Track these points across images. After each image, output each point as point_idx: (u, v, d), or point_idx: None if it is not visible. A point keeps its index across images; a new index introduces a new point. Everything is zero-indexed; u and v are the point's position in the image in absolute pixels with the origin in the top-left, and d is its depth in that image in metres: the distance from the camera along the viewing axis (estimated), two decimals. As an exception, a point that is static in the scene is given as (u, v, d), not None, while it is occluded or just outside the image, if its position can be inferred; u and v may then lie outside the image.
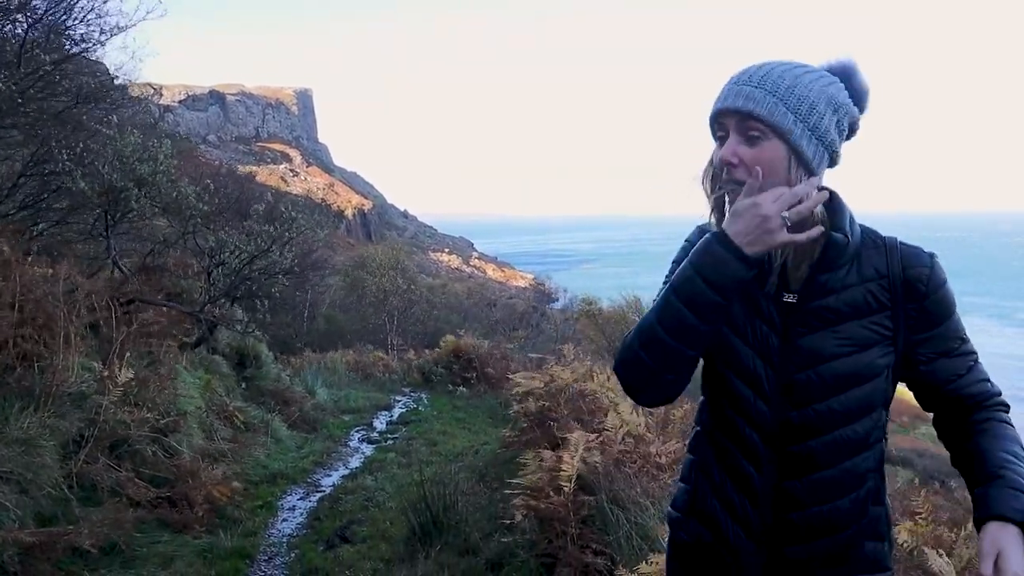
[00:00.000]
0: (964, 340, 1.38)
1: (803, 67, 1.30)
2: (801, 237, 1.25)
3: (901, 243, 1.37)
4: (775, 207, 1.22)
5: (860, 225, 1.38)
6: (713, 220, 1.37)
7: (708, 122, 1.34)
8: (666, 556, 1.56)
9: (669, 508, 1.54)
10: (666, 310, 1.29)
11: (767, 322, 1.35)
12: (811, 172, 1.28)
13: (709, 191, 1.37)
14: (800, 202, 1.24)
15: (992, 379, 1.41)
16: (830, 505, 1.33)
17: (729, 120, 1.29)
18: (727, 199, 1.33)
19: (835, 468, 1.33)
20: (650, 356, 1.31)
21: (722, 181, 1.32)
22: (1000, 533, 1.18)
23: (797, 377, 1.32)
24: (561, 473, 3.77)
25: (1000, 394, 1.40)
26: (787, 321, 1.34)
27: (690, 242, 1.43)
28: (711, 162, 1.36)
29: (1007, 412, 1.39)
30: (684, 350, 1.30)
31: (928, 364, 1.37)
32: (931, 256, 1.36)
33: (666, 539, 1.59)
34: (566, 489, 3.71)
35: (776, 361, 1.34)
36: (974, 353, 1.39)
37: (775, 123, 1.25)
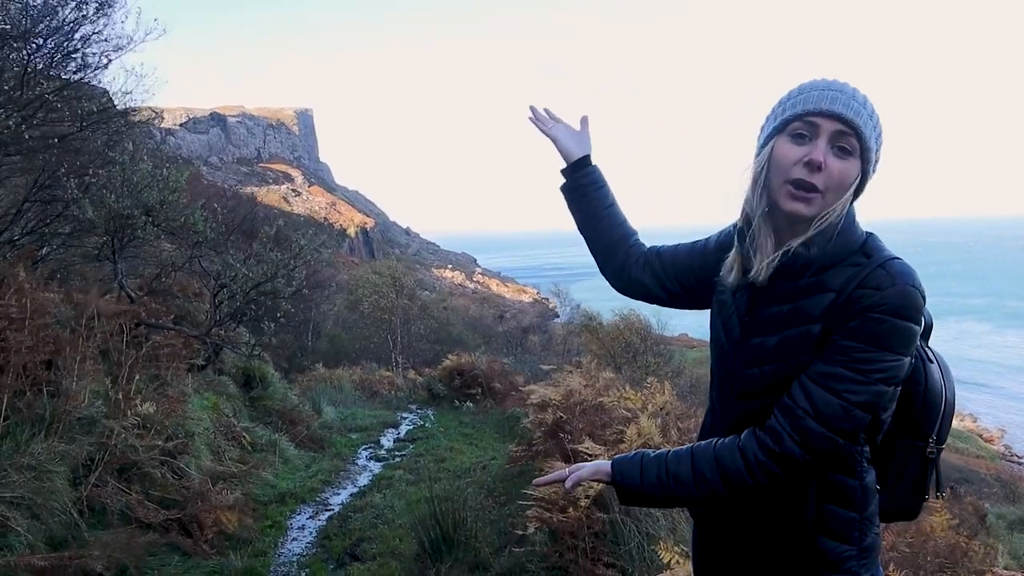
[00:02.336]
0: (849, 377, 1.21)
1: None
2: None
3: (886, 266, 1.23)
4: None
5: (869, 243, 1.29)
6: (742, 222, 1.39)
7: (786, 117, 1.28)
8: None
9: None
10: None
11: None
12: (858, 196, 1.30)
13: (753, 185, 1.33)
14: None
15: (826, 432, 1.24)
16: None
17: (828, 125, 1.24)
18: (782, 198, 1.27)
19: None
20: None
21: (786, 179, 1.26)
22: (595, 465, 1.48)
23: (744, 372, 1.38)
24: (578, 488, 3.77)
25: (784, 452, 1.26)
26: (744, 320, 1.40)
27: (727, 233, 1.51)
28: (766, 158, 1.30)
29: (762, 445, 1.29)
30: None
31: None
32: (903, 286, 1.20)
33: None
34: (582, 504, 3.70)
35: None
36: (843, 395, 1.22)
37: (868, 146, 1.25)
